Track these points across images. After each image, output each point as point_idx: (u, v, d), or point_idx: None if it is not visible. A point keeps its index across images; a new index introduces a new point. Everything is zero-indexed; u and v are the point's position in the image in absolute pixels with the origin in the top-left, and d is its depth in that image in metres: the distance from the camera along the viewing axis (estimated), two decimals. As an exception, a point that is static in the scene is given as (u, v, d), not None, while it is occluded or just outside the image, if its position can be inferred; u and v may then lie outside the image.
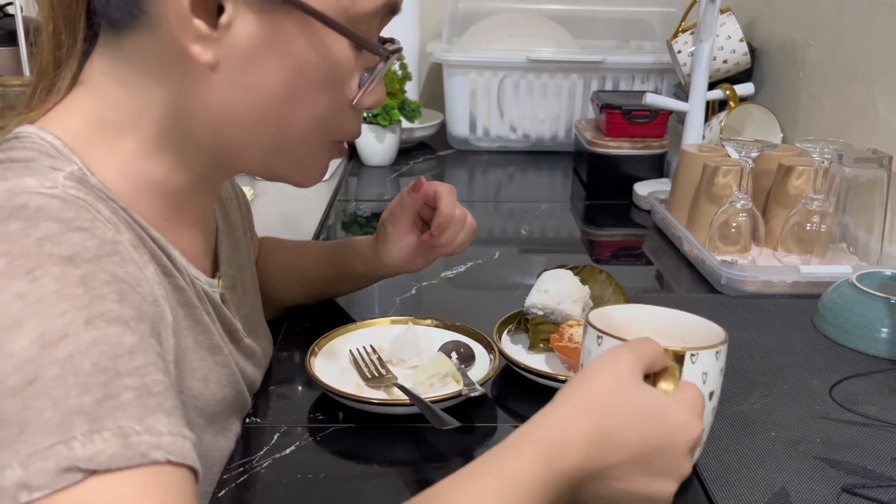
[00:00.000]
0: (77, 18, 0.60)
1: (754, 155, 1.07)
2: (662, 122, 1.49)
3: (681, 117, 1.46)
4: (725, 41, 1.47)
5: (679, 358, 0.58)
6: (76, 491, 0.42)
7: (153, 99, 0.59)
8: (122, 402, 0.45)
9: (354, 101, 0.63)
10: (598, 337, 0.61)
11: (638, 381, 0.53)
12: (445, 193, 0.85)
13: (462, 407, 0.76)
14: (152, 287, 0.56)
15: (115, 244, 0.52)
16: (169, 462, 0.45)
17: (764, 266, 1.09)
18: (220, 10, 0.56)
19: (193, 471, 0.47)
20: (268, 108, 0.60)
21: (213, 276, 0.70)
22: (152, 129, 0.60)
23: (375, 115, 1.56)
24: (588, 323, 0.63)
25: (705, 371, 0.60)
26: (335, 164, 1.57)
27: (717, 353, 0.61)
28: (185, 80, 0.58)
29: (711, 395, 0.62)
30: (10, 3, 1.58)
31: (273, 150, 0.64)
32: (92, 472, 0.42)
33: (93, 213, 0.52)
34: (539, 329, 0.84)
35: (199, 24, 0.55)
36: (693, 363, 0.59)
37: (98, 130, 0.59)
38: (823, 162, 1.05)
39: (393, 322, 0.88)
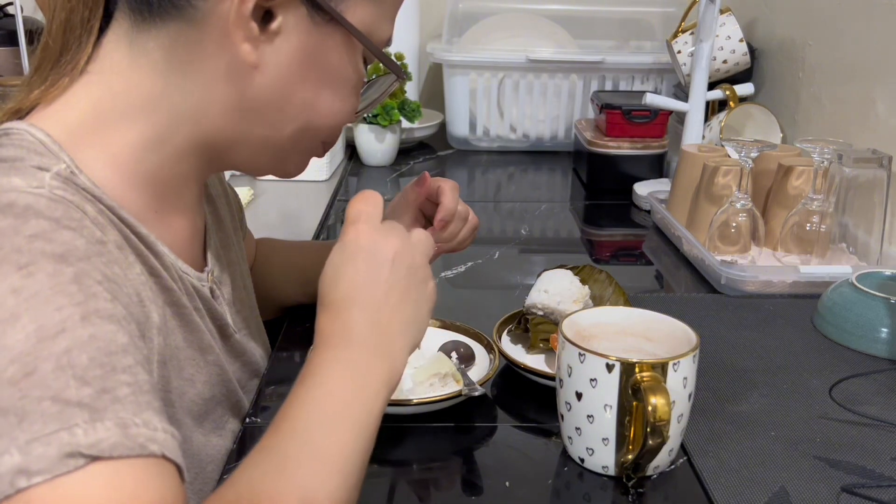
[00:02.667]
0: (98, 2, 0.61)
1: (754, 155, 1.07)
2: (662, 122, 1.49)
3: (681, 117, 1.46)
4: (725, 41, 1.47)
5: (662, 367, 0.63)
6: (78, 476, 0.42)
7: (176, 89, 0.60)
8: (119, 396, 0.45)
9: (358, 111, 0.69)
10: (581, 355, 0.64)
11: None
12: (448, 189, 0.86)
13: (462, 407, 0.76)
14: (137, 288, 0.57)
15: (101, 244, 0.53)
16: (164, 456, 0.46)
17: (764, 266, 1.09)
18: (270, 15, 0.59)
19: (181, 471, 0.48)
20: (293, 110, 0.63)
21: (201, 271, 0.70)
22: (163, 120, 0.61)
23: (375, 115, 1.56)
24: (565, 338, 0.66)
25: (685, 376, 0.65)
26: (335, 164, 1.57)
27: (693, 357, 0.65)
28: (221, 75, 0.60)
29: (690, 396, 0.66)
30: (10, 3, 1.58)
31: (284, 148, 0.67)
32: (94, 459, 0.43)
33: (80, 214, 0.53)
34: (539, 329, 0.84)
35: (253, 25, 0.58)
36: (675, 371, 0.63)
37: (97, 122, 0.59)
38: (823, 162, 1.05)
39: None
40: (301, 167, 0.71)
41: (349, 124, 0.71)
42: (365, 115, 1.54)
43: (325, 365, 0.55)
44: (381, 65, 0.68)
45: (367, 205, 0.61)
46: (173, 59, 0.60)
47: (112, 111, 0.60)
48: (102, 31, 0.61)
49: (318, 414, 0.53)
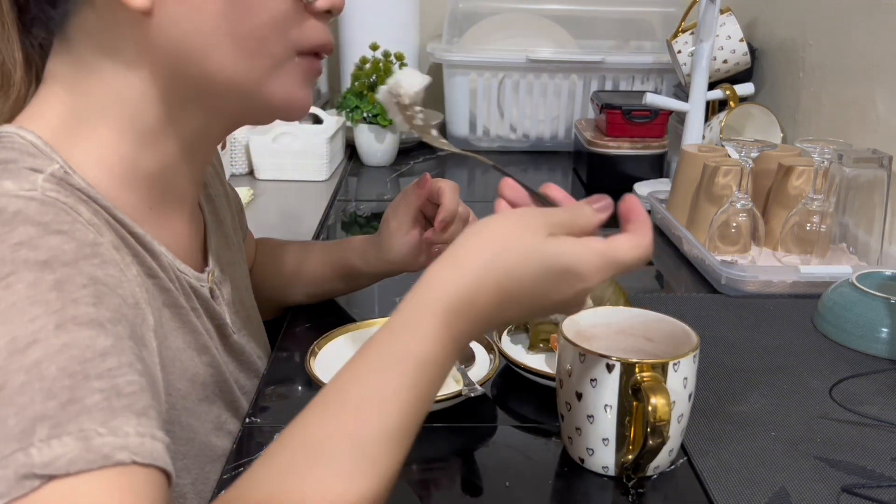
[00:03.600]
0: (6, 25, 0.61)
1: (754, 155, 1.07)
2: (662, 122, 1.49)
3: (681, 117, 1.46)
4: (725, 41, 1.47)
5: (662, 367, 0.62)
6: (35, 497, 0.42)
7: (115, 74, 0.60)
8: (88, 405, 0.44)
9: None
10: (581, 355, 0.64)
11: (537, 232, 0.53)
12: (449, 190, 0.85)
13: (462, 407, 0.76)
14: (134, 289, 0.56)
15: (95, 246, 0.52)
16: (135, 463, 0.44)
17: (764, 266, 1.09)
18: None
19: (166, 473, 0.47)
20: (220, 28, 0.59)
21: (202, 271, 0.70)
22: (124, 108, 0.60)
23: (375, 116, 1.56)
24: (565, 338, 0.66)
25: (685, 376, 0.64)
26: (335, 164, 1.57)
27: (693, 357, 0.65)
28: (134, 38, 0.58)
29: (690, 396, 0.66)
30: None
31: (246, 75, 0.62)
32: (50, 478, 0.42)
33: (73, 216, 0.52)
34: (539, 329, 0.84)
35: None
36: (675, 371, 0.63)
37: (76, 122, 0.59)
38: (823, 162, 1.05)
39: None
40: (294, 94, 0.64)
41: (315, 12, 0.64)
42: (364, 115, 1.54)
43: (416, 341, 0.50)
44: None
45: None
46: (95, 48, 0.59)
47: (84, 111, 0.60)
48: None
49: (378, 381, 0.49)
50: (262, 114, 0.66)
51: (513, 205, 0.60)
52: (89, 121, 0.59)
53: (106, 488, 0.43)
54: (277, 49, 0.62)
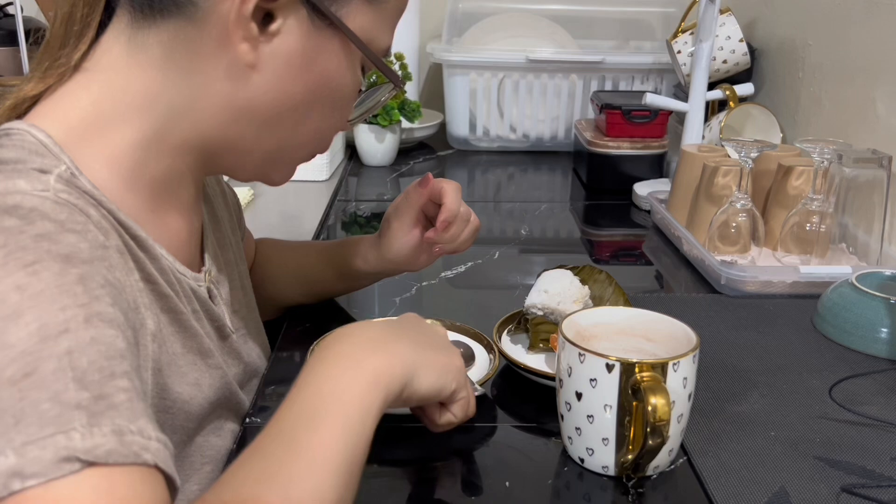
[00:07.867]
0: None
1: (754, 155, 1.07)
2: (662, 122, 1.49)
3: (681, 117, 1.46)
4: (725, 41, 1.47)
5: (662, 367, 0.63)
6: (71, 481, 0.42)
7: (174, 86, 0.60)
8: (115, 402, 0.45)
9: (350, 118, 0.69)
10: (581, 355, 0.64)
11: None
12: (451, 190, 0.86)
13: (462, 407, 0.76)
14: (135, 294, 0.57)
15: (104, 249, 0.53)
16: (156, 466, 0.45)
17: (764, 266, 1.09)
18: (270, 17, 0.59)
19: (171, 481, 0.47)
20: (288, 113, 0.63)
21: (198, 271, 0.70)
22: (160, 118, 0.61)
23: (375, 116, 1.56)
24: (565, 338, 0.66)
25: (685, 376, 0.65)
26: (335, 164, 1.57)
27: (693, 357, 0.65)
28: (219, 74, 0.60)
29: (690, 396, 0.66)
30: (10, 3, 1.58)
31: (273, 154, 0.66)
32: (90, 464, 0.42)
33: (84, 217, 0.53)
34: (539, 329, 0.84)
35: (253, 26, 0.58)
36: (675, 371, 0.63)
37: (97, 121, 0.59)
38: (823, 162, 1.05)
39: (393, 322, 0.88)
40: (287, 176, 0.71)
41: (342, 130, 0.72)
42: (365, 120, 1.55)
43: (316, 363, 0.55)
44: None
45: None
46: (172, 56, 0.60)
47: (111, 110, 0.60)
48: (103, 27, 0.61)
49: (304, 410, 0.52)
50: (254, 179, 0.71)
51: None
52: (114, 120, 0.60)
53: (134, 484, 0.44)
54: (312, 146, 0.69)
